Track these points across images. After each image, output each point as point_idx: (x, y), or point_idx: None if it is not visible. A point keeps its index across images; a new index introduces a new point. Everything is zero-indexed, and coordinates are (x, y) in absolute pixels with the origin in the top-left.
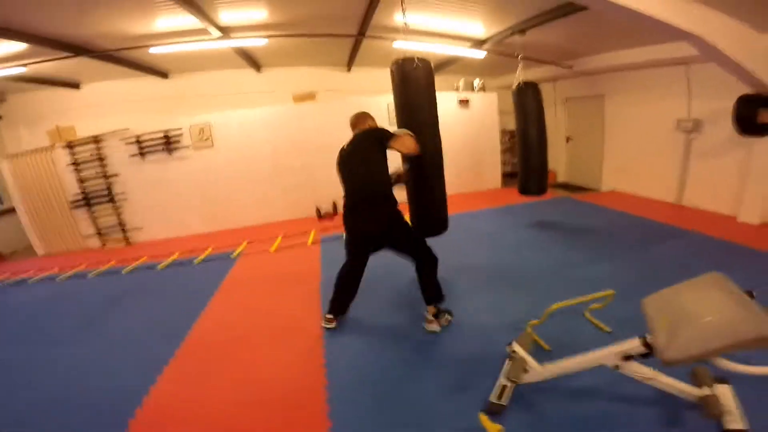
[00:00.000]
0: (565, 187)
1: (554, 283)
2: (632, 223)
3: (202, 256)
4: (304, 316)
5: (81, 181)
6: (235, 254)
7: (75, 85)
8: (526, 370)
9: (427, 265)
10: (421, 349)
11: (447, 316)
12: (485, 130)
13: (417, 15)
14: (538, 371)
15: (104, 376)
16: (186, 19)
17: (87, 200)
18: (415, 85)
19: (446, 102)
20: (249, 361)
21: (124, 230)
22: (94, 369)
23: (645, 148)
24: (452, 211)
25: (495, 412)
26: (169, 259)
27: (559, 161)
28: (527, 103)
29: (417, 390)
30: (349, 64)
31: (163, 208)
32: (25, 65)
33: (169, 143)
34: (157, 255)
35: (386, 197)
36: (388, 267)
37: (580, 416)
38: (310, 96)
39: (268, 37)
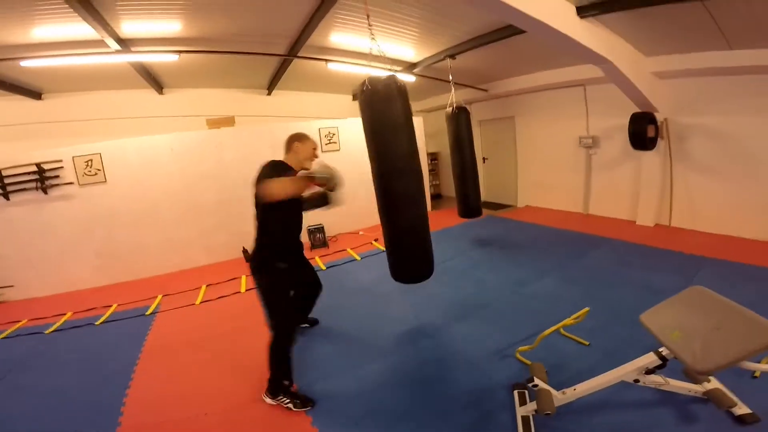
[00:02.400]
0: (487, 205)
1: (517, 303)
2: (554, 235)
3: (105, 315)
4: (264, 384)
5: None
6: (150, 311)
7: None
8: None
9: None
10: (416, 394)
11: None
12: None
13: (348, 36)
14: (560, 398)
15: None
16: (77, 28)
17: None
18: (376, 110)
19: None
20: None
21: None
22: None
23: (553, 164)
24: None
25: None
26: (61, 321)
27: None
28: (461, 127)
29: None
30: (270, 87)
31: (40, 260)
32: None
33: (44, 179)
34: (40, 316)
35: (262, 233)
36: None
37: (603, 427)
38: (227, 121)
39: (180, 52)
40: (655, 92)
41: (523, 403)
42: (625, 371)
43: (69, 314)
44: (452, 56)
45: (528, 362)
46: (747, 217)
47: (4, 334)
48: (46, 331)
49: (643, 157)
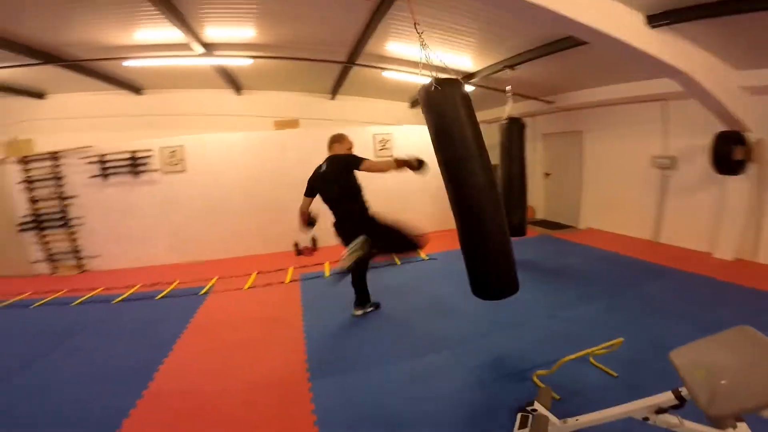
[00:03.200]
0: (544, 224)
1: (550, 327)
2: (614, 262)
3: (166, 291)
4: (286, 370)
5: (33, 201)
6: (204, 291)
7: (39, 95)
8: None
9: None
10: (418, 405)
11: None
12: None
13: (403, 46)
14: (559, 427)
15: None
16: (169, 33)
17: (38, 223)
18: (440, 112)
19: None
20: (222, 425)
21: (78, 257)
22: (27, 426)
23: (622, 185)
24: (434, 249)
25: None
26: (128, 292)
27: (537, 197)
28: (513, 138)
29: None
30: (334, 92)
31: (125, 236)
32: None
33: (136, 165)
34: (115, 286)
35: (354, 200)
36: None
37: None
38: (293, 123)
39: (255, 57)
40: (746, 109)
41: (523, 426)
42: (636, 407)
43: (137, 287)
44: (511, 66)
45: (542, 385)
46: None
47: (79, 301)
48: (113, 301)
49: (727, 182)
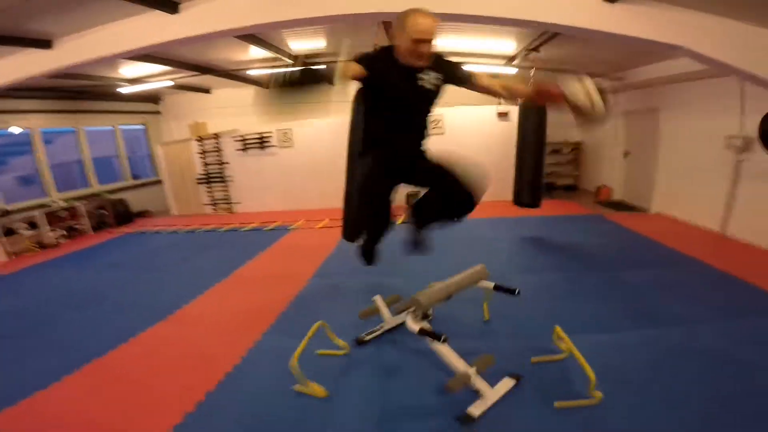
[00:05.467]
0: (616, 205)
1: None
2: (650, 250)
3: (271, 226)
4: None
5: (205, 164)
6: (292, 227)
7: (206, 91)
8: None
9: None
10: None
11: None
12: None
13: (451, 39)
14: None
15: (179, 287)
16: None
17: (207, 179)
18: None
19: (486, 114)
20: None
21: (229, 202)
22: (178, 282)
23: (694, 168)
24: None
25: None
26: (250, 226)
27: (617, 178)
28: (528, 120)
29: None
30: None
31: (256, 189)
32: (171, 79)
33: (263, 142)
34: (246, 221)
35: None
36: None
37: None
38: None
39: (328, 63)
40: None
41: None
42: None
43: (255, 223)
44: (536, 49)
45: None
46: None
47: (225, 229)
48: (242, 230)
49: None
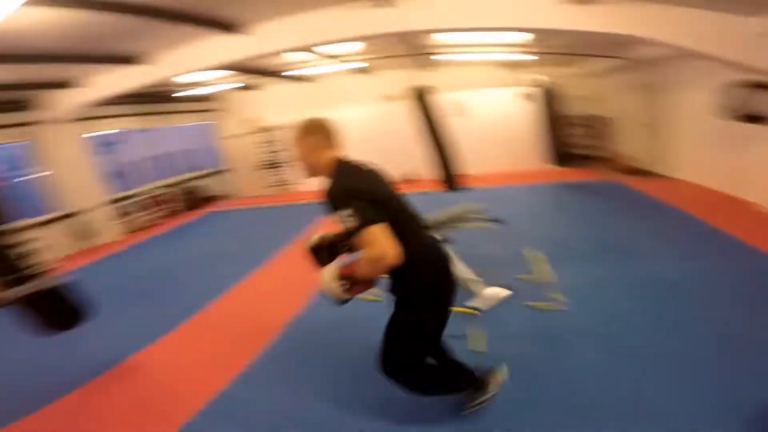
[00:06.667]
0: (637, 172)
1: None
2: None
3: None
4: None
5: (263, 153)
6: None
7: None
8: None
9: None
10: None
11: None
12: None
13: (465, 35)
14: None
15: (267, 241)
16: (307, 54)
17: (266, 166)
18: None
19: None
20: None
21: (285, 185)
22: (252, 247)
23: (704, 136)
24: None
25: None
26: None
27: (636, 147)
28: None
29: None
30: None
31: None
32: (232, 83)
33: None
34: (299, 199)
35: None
36: None
37: None
38: (397, 97)
39: (365, 60)
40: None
41: None
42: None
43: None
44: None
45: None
46: None
47: (280, 205)
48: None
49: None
